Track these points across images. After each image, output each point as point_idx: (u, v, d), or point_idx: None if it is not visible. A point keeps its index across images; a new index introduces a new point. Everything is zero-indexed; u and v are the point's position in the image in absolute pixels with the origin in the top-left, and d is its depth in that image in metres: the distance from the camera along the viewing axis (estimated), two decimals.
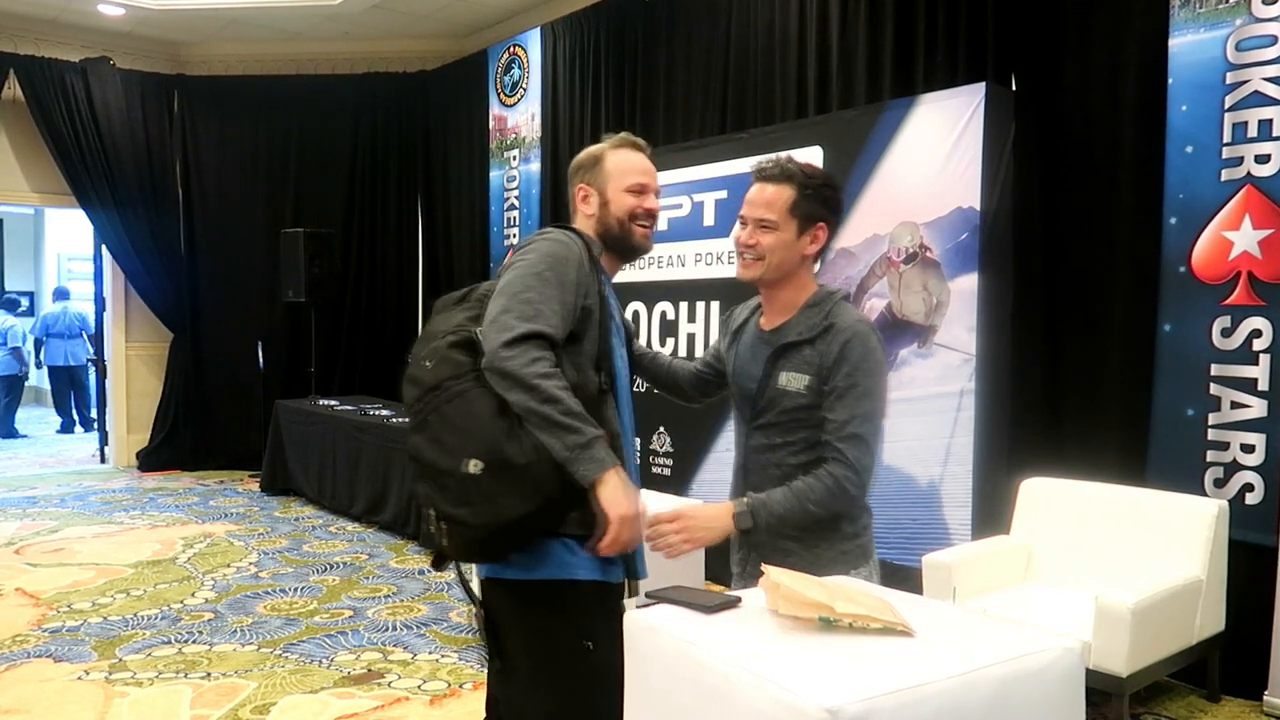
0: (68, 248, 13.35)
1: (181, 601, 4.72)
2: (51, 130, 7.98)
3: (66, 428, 11.25)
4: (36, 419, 12.08)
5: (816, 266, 2.15)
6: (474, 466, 1.69)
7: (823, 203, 2.01)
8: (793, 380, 1.98)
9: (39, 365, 11.38)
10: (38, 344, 11.18)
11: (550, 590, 1.82)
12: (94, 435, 9.82)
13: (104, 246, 8.56)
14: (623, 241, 2.03)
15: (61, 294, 11.34)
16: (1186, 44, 3.60)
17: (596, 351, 1.89)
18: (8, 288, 13.78)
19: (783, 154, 2.10)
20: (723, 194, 5.20)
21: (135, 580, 5.10)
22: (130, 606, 4.63)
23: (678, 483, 5.40)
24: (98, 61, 8.13)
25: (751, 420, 2.08)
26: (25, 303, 13.74)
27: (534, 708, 1.88)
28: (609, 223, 2.02)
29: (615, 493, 1.73)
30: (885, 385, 1.99)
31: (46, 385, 13.66)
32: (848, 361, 1.92)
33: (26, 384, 11.67)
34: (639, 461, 5.63)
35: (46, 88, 7.93)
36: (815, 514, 1.94)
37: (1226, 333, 3.52)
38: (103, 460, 9.01)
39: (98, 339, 9.23)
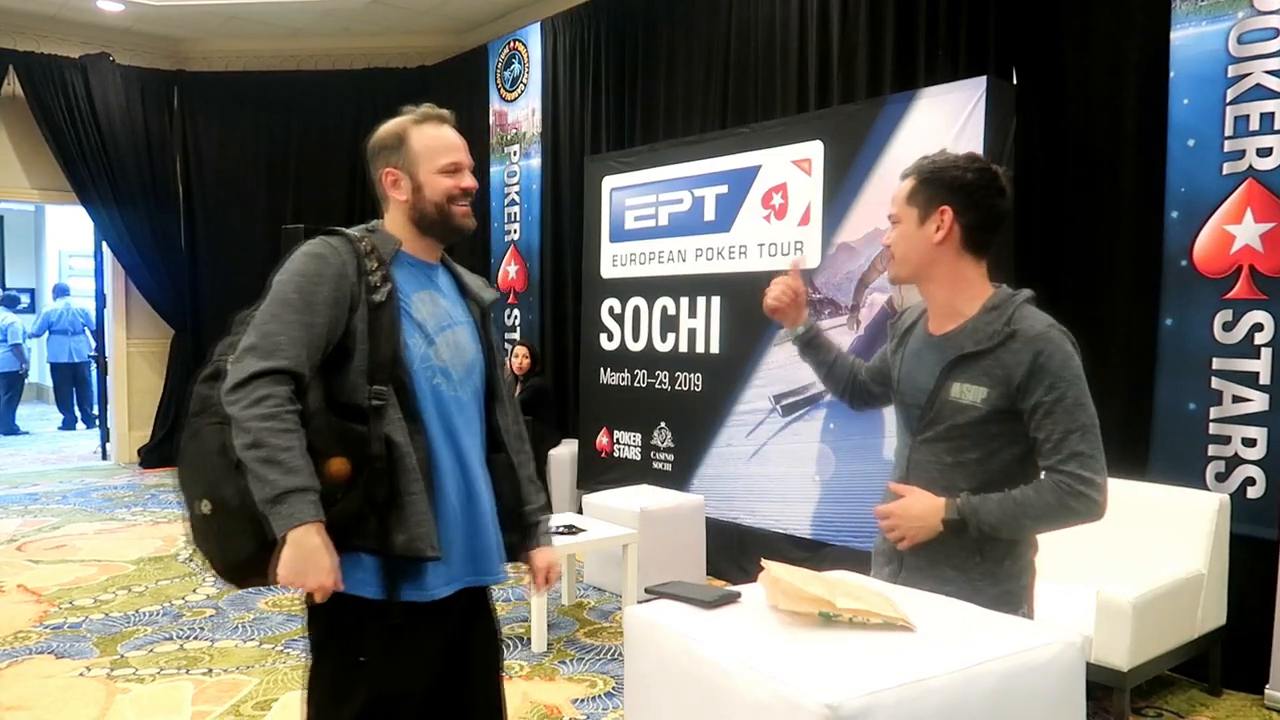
0: (68, 244, 13.35)
1: (183, 598, 4.72)
2: (52, 127, 7.98)
3: (68, 424, 11.26)
4: (38, 415, 12.08)
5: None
6: (204, 507, 1.72)
7: (941, 184, 1.82)
8: (967, 392, 1.78)
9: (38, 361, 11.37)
10: (40, 331, 11.17)
11: (333, 599, 1.72)
12: (96, 432, 9.83)
13: (104, 243, 8.56)
14: (443, 225, 1.91)
15: (62, 291, 11.35)
16: (1188, 37, 3.59)
17: (371, 363, 1.76)
18: (9, 285, 13.78)
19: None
20: (723, 189, 5.19)
21: (137, 576, 5.10)
22: (132, 603, 4.64)
23: (678, 478, 5.40)
24: (98, 58, 8.13)
25: (918, 434, 1.87)
26: (26, 299, 13.75)
27: (310, 709, 1.85)
28: (425, 208, 1.89)
29: (289, 554, 1.64)
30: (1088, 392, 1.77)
31: (48, 382, 13.70)
32: (1047, 373, 1.71)
33: (27, 381, 11.67)
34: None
35: (46, 84, 7.92)
36: (1031, 530, 1.78)
37: (1228, 326, 3.51)
38: (104, 457, 9.01)
39: (99, 335, 9.24)
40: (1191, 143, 3.59)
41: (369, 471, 1.73)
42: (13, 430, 10.76)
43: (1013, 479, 1.79)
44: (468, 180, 1.92)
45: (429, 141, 1.90)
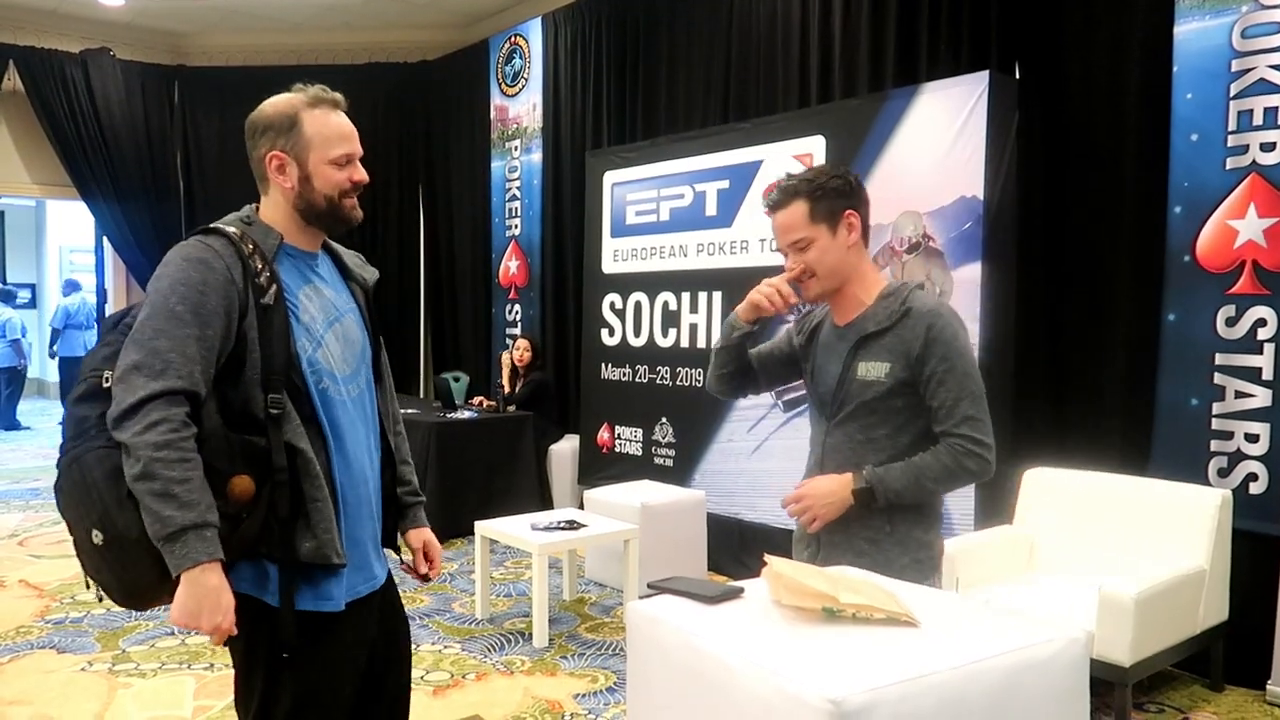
0: (69, 240, 13.35)
1: None
2: (52, 122, 7.98)
3: None
4: (38, 411, 12.08)
5: (871, 253, 2.18)
6: (96, 537, 1.60)
7: (836, 193, 1.96)
8: (872, 369, 1.94)
9: (52, 356, 11.32)
10: (55, 334, 11.15)
11: (253, 602, 1.68)
12: None
13: (105, 238, 8.56)
14: (330, 217, 1.80)
15: (73, 286, 11.29)
16: (1191, 31, 3.58)
17: (265, 370, 1.66)
18: (10, 280, 13.78)
19: (780, 176, 2.07)
20: (725, 184, 5.19)
21: None
22: None
23: (680, 474, 5.40)
24: (98, 52, 8.12)
25: (832, 417, 2.02)
26: (26, 295, 13.74)
27: (240, 714, 1.80)
28: (313, 199, 1.77)
29: (184, 595, 1.56)
30: (976, 365, 1.95)
31: (49, 377, 13.70)
32: (939, 344, 1.88)
33: (28, 376, 11.66)
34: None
35: (47, 79, 7.92)
36: (932, 492, 1.92)
37: (1231, 322, 3.50)
38: None
39: (100, 330, 9.23)
40: (1195, 137, 3.58)
41: (272, 485, 1.64)
42: (14, 425, 10.76)
43: (920, 445, 1.94)
44: (359, 173, 1.81)
45: (322, 129, 1.78)
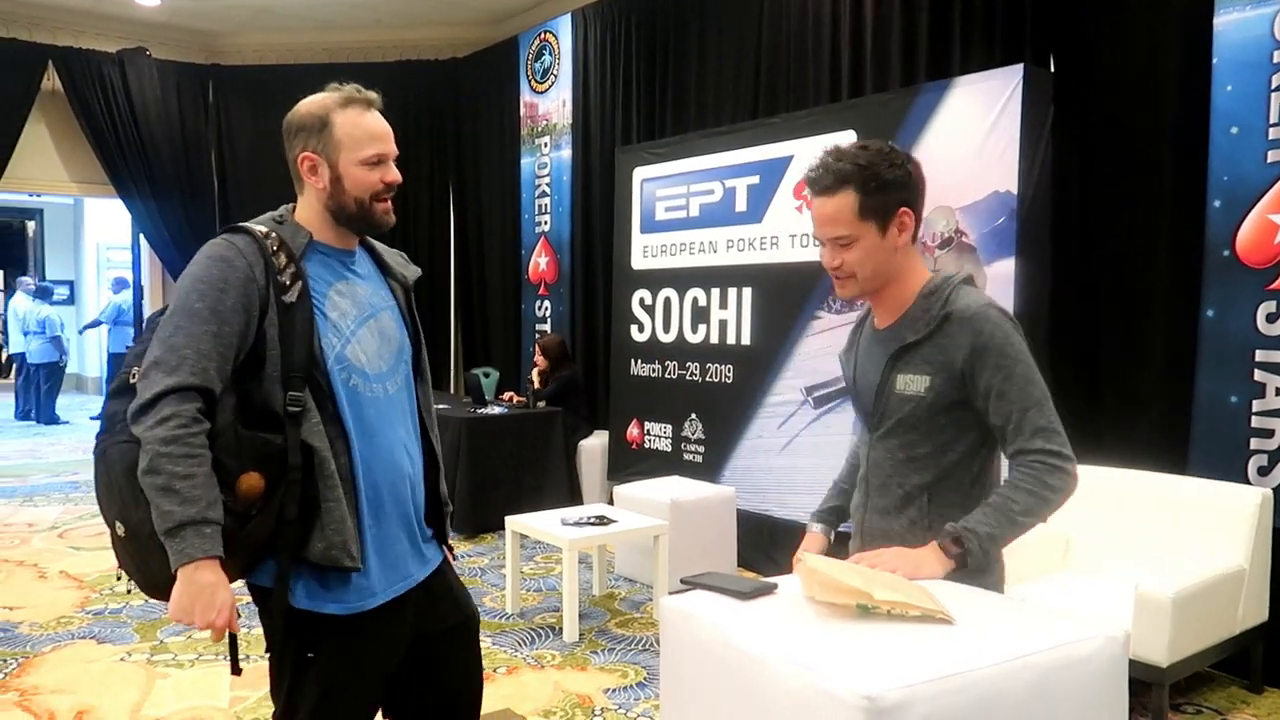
0: (107, 237, 13.55)
1: None
2: (90, 121, 8.10)
3: None
4: (77, 406, 12.29)
5: (920, 248, 1.86)
6: (119, 529, 1.65)
7: (892, 186, 1.71)
8: (911, 383, 1.73)
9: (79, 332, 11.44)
10: (97, 322, 11.30)
11: (273, 602, 1.70)
12: None
13: (141, 235, 8.69)
14: (361, 220, 1.80)
15: (123, 284, 11.43)
16: (1231, 21, 3.51)
17: (285, 368, 1.66)
18: (48, 277, 14.02)
19: (828, 148, 1.78)
20: (755, 179, 5.17)
21: None
22: None
23: (709, 470, 5.39)
24: (134, 52, 8.24)
25: (874, 430, 1.82)
26: (65, 291, 13.97)
27: (276, 704, 1.82)
28: (343, 201, 1.77)
29: (178, 591, 1.57)
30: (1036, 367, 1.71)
31: (88, 373, 13.93)
32: (990, 352, 1.66)
33: (67, 371, 11.86)
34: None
35: (84, 79, 8.04)
36: (1026, 526, 1.65)
37: (1271, 318, 3.44)
38: None
39: (136, 327, 9.37)
40: (1234, 130, 3.51)
41: (284, 484, 1.64)
42: (53, 420, 10.96)
43: (968, 471, 1.75)
44: (392, 174, 1.80)
45: (353, 129, 1.77)
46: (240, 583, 1.71)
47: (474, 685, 2.00)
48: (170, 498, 1.54)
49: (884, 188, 1.70)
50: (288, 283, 1.69)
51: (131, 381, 1.65)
